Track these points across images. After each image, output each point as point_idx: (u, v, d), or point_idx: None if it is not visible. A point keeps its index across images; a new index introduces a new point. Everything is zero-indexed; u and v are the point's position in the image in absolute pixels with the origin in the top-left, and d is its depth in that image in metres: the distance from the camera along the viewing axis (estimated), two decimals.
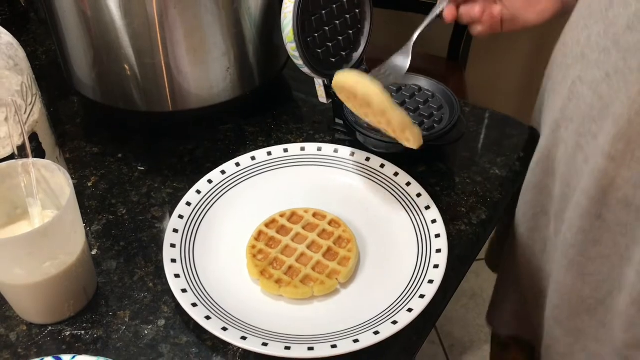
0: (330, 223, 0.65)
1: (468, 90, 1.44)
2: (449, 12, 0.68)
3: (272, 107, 0.82)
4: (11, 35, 0.56)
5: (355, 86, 0.60)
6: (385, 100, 0.59)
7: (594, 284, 0.64)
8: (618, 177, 0.56)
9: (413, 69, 0.82)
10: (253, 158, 0.71)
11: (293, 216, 0.65)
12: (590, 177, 0.58)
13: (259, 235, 0.63)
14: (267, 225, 0.64)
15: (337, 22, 0.74)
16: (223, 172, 0.70)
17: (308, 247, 0.62)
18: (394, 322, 0.55)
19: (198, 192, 0.67)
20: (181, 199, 0.66)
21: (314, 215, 0.65)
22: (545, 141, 0.67)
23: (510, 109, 0.82)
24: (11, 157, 0.56)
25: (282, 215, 0.65)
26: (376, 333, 0.54)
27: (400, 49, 0.71)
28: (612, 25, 0.53)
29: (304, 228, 0.64)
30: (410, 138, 0.61)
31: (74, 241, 0.54)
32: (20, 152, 0.54)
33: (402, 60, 0.69)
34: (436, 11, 0.68)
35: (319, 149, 0.73)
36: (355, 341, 0.54)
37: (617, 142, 0.54)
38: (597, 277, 0.63)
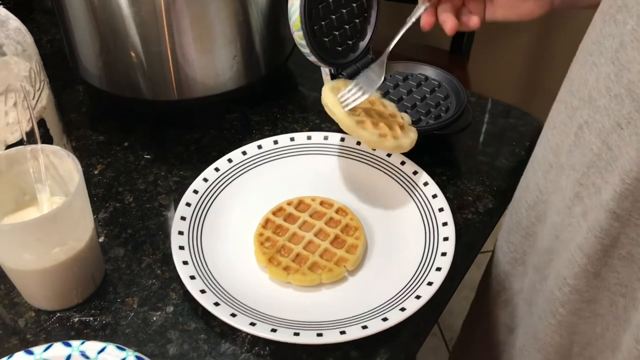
0: (337, 211, 0.65)
1: (471, 82, 1.44)
2: (426, 21, 0.65)
3: (278, 97, 0.81)
4: (19, 21, 0.56)
5: (328, 108, 0.62)
6: (350, 125, 0.61)
7: (583, 343, 0.59)
8: (622, 235, 0.50)
9: (417, 60, 0.82)
10: (259, 147, 0.71)
11: (300, 204, 0.65)
12: (590, 233, 0.51)
13: (266, 223, 0.63)
14: (274, 213, 0.64)
15: (344, 10, 0.74)
16: (230, 161, 0.69)
17: (315, 235, 0.62)
18: (402, 309, 0.55)
19: (205, 180, 0.67)
20: (188, 187, 0.66)
21: (321, 203, 0.65)
22: (540, 183, 0.60)
23: (513, 101, 0.81)
24: (19, 142, 0.56)
25: (289, 204, 0.65)
26: (384, 319, 0.54)
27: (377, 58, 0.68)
28: (626, 70, 0.46)
29: (311, 216, 0.64)
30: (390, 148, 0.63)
31: (82, 227, 0.54)
32: (29, 138, 0.54)
33: (376, 73, 0.67)
34: (412, 19, 0.65)
35: (326, 138, 0.72)
36: (364, 327, 0.54)
37: (623, 200, 0.48)
38: (587, 336, 0.58)
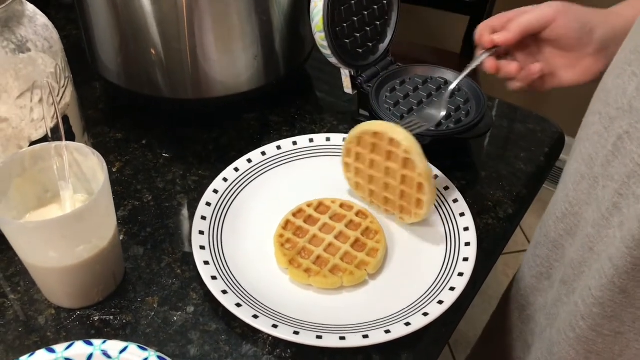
0: (357, 214, 0.64)
1: (481, 86, 1.44)
2: (490, 65, 0.67)
3: (296, 98, 0.81)
4: (46, 17, 0.56)
5: (385, 130, 0.61)
6: (414, 145, 0.60)
7: None
8: None
9: (427, 63, 0.82)
10: (279, 147, 0.71)
11: (320, 206, 0.65)
12: (622, 244, 0.50)
13: (286, 224, 0.63)
14: (294, 214, 0.64)
15: (366, 12, 0.74)
16: (249, 161, 0.69)
17: (336, 238, 0.62)
18: (425, 314, 0.55)
19: (225, 180, 0.67)
20: (206, 187, 0.66)
21: (341, 205, 0.65)
22: (570, 195, 0.59)
23: (524, 107, 0.81)
24: (44, 139, 0.55)
25: (309, 205, 0.65)
26: (407, 324, 0.54)
27: (433, 99, 0.70)
28: None
29: (331, 218, 0.64)
30: (424, 199, 0.61)
31: (106, 225, 0.54)
32: (53, 135, 0.53)
33: (436, 110, 0.68)
34: (475, 63, 0.67)
35: (345, 140, 0.72)
36: (387, 332, 0.53)
37: None
38: (604, 356, 0.57)
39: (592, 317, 0.55)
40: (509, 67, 0.66)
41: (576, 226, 0.59)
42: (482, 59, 0.67)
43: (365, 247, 0.61)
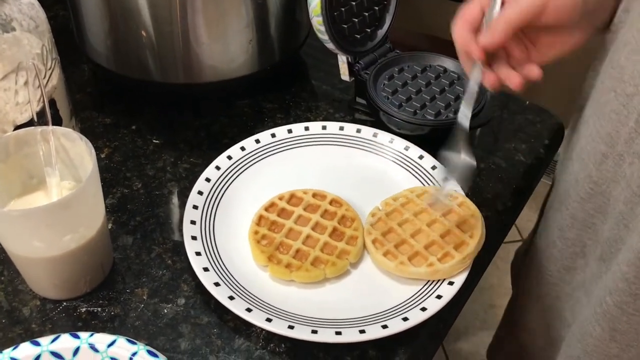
0: (331, 203, 0.62)
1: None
2: (489, 81, 0.55)
3: (291, 84, 0.79)
4: None
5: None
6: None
7: (624, 344, 0.57)
8: None
9: (426, 50, 0.80)
10: (273, 135, 0.69)
11: (292, 198, 0.63)
12: None
13: (259, 220, 0.61)
14: (266, 209, 0.61)
15: None
16: (243, 149, 0.67)
17: (313, 229, 0.60)
18: (423, 309, 0.54)
19: (217, 168, 0.65)
20: (198, 174, 0.64)
21: (314, 195, 0.63)
22: (593, 175, 0.58)
23: (523, 96, 0.79)
24: (29, 123, 0.53)
25: (281, 198, 0.62)
26: (405, 319, 0.53)
27: (450, 144, 0.56)
28: None
29: (305, 210, 0.62)
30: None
31: (94, 214, 0.52)
32: (39, 119, 0.51)
33: (469, 158, 0.55)
34: (473, 83, 0.55)
35: (341, 128, 0.70)
36: (384, 327, 0.52)
37: None
38: (628, 337, 0.56)
39: (618, 293, 0.54)
40: (512, 78, 0.55)
41: (606, 204, 0.58)
42: (479, 76, 0.55)
43: (344, 236, 0.59)
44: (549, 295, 0.70)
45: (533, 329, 0.76)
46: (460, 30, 0.55)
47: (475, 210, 0.60)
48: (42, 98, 0.51)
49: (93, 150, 0.50)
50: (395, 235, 0.59)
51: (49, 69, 0.54)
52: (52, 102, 0.56)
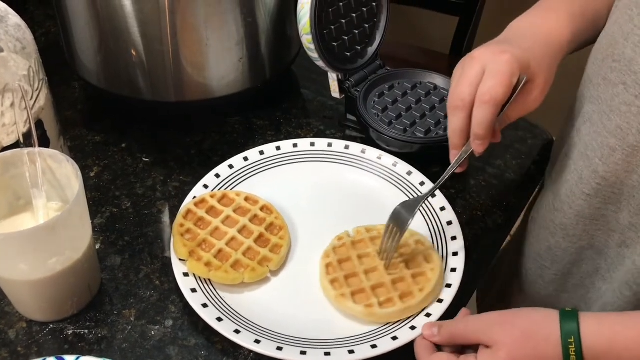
0: (262, 209, 0.62)
1: None
2: (478, 148, 0.57)
3: (281, 101, 0.79)
4: (19, 17, 0.53)
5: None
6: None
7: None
8: None
9: (416, 65, 0.80)
10: (261, 152, 0.69)
11: (224, 198, 0.63)
12: None
13: (187, 213, 0.60)
14: (196, 204, 0.61)
15: (354, 14, 0.72)
16: (231, 167, 0.67)
17: (239, 232, 0.60)
18: (412, 328, 0.53)
19: (205, 186, 0.65)
20: (187, 193, 0.64)
21: (246, 199, 0.63)
22: (600, 169, 0.58)
23: None
24: (15, 145, 0.53)
25: (212, 196, 0.62)
26: (394, 338, 0.53)
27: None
28: None
29: (235, 211, 0.61)
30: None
31: (81, 237, 0.51)
32: (26, 140, 0.51)
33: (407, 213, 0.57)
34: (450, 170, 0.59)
35: (329, 145, 0.70)
36: (373, 347, 0.52)
37: None
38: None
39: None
40: (476, 148, 0.57)
41: (618, 194, 0.59)
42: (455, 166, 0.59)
43: (269, 243, 0.59)
44: (547, 290, 0.71)
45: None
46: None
47: (437, 265, 0.57)
48: (28, 120, 0.51)
49: (79, 173, 0.50)
50: (352, 265, 0.58)
51: (36, 90, 0.54)
52: (40, 123, 0.55)
